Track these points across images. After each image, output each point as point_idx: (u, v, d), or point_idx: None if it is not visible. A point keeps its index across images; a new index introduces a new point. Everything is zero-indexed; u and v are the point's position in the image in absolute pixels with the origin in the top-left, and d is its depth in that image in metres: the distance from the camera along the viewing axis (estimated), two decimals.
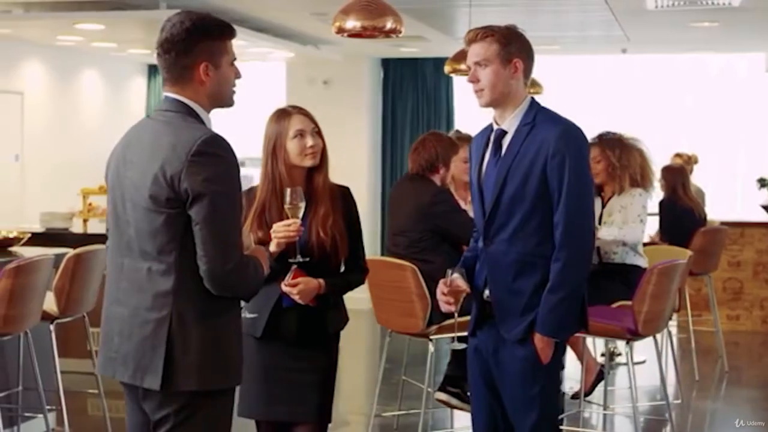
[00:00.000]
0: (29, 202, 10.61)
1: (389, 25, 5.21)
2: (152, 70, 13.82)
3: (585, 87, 12.65)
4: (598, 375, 6.31)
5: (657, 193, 7.31)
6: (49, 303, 5.57)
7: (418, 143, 5.82)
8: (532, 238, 3.66)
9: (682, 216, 8.33)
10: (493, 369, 3.80)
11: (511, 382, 3.73)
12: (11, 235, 6.32)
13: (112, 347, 3.20)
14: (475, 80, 3.71)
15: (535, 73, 11.26)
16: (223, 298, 3.12)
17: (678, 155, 9.83)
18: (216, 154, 3.05)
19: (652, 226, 8.92)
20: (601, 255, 6.25)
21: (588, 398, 6.50)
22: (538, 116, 3.70)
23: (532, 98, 3.77)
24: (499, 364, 3.77)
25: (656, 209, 8.50)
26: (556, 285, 3.62)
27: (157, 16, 8.44)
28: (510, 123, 3.73)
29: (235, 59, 3.24)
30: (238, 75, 3.25)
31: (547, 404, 3.75)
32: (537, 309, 3.64)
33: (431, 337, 5.43)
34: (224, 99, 3.24)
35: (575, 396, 6.41)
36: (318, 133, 4.03)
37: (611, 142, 6.25)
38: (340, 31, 5.26)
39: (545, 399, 3.73)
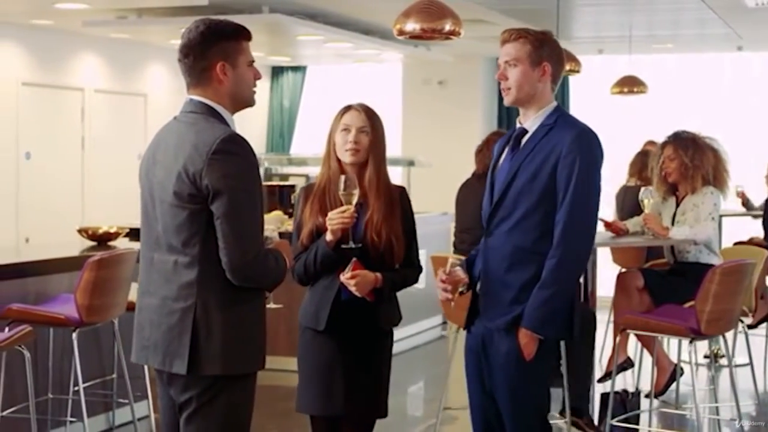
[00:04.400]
0: None
1: (448, 27, 5.32)
2: (275, 71, 14.18)
3: (702, 85, 12.45)
4: (671, 375, 6.28)
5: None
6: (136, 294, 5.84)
7: (482, 144, 5.95)
8: (531, 233, 3.73)
9: None
10: (483, 364, 3.85)
11: (497, 376, 3.79)
12: (112, 230, 6.69)
13: (144, 336, 3.41)
14: (503, 78, 3.81)
15: (643, 72, 11.17)
16: (245, 288, 3.29)
17: None
18: (234, 152, 3.22)
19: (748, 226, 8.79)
20: (675, 254, 6.22)
21: (661, 398, 6.47)
22: (558, 120, 3.79)
23: (558, 104, 3.86)
24: (487, 359, 3.82)
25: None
26: (547, 281, 3.66)
27: (260, 20, 8.75)
28: (532, 123, 3.83)
29: (252, 61, 3.39)
30: (257, 76, 3.41)
31: (532, 401, 3.79)
32: (525, 303, 3.69)
33: None
34: (244, 98, 3.41)
35: (647, 395, 6.39)
36: (365, 132, 4.09)
37: (685, 141, 6.21)
38: (401, 33, 5.39)
39: (529, 396, 3.77)
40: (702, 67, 12.54)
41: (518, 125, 3.88)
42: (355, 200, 3.97)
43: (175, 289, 3.30)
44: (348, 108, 4.14)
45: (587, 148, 3.72)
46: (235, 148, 3.24)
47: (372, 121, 4.11)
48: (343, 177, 3.97)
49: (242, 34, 3.37)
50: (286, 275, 3.47)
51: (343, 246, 3.99)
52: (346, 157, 4.08)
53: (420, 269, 4.26)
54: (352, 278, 3.97)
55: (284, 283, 3.45)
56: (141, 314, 3.44)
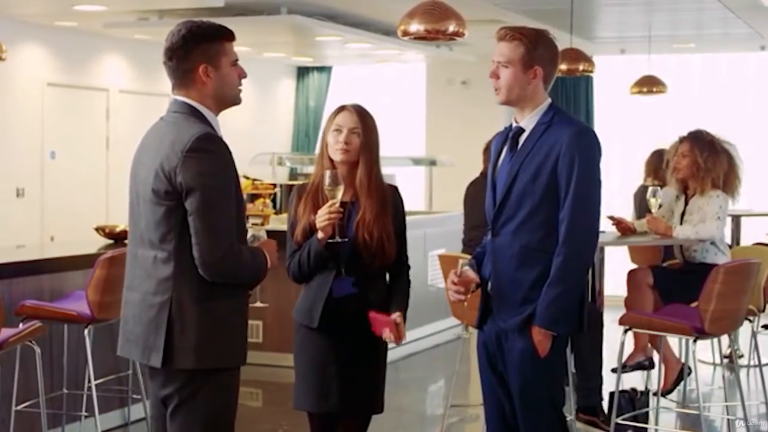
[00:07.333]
0: None
1: (451, 28, 5.36)
2: (301, 72, 14.26)
3: (725, 85, 12.40)
4: (679, 374, 6.29)
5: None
6: None
7: (489, 143, 5.98)
8: (536, 231, 3.78)
9: None
10: (498, 361, 3.92)
11: (513, 373, 3.85)
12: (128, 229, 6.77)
13: (128, 329, 3.49)
14: (495, 77, 3.86)
15: (666, 72, 11.12)
16: (221, 284, 3.35)
17: None
18: (208, 150, 3.30)
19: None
20: (684, 253, 6.22)
21: (669, 396, 6.47)
22: (555, 117, 3.83)
23: (552, 101, 3.89)
24: (503, 356, 3.89)
25: None
26: (555, 279, 3.73)
27: (278, 21, 8.82)
28: (528, 122, 3.87)
29: (236, 60, 3.45)
30: (242, 75, 3.47)
31: (547, 396, 3.86)
32: (535, 302, 3.75)
33: None
34: (228, 98, 3.47)
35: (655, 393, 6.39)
36: (357, 133, 4.12)
37: (702, 141, 6.19)
38: (405, 34, 5.43)
39: (545, 391, 3.84)
40: (725, 66, 12.48)
41: (514, 123, 3.92)
42: (339, 195, 4.02)
43: (154, 284, 3.38)
44: (341, 109, 4.20)
45: (586, 145, 3.77)
46: (209, 146, 3.31)
47: (364, 122, 4.15)
48: (328, 172, 4.03)
49: (224, 35, 3.43)
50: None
51: (330, 240, 4.04)
52: (337, 157, 4.13)
53: (408, 267, 4.29)
54: (398, 338, 4.01)
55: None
56: (126, 308, 3.52)
